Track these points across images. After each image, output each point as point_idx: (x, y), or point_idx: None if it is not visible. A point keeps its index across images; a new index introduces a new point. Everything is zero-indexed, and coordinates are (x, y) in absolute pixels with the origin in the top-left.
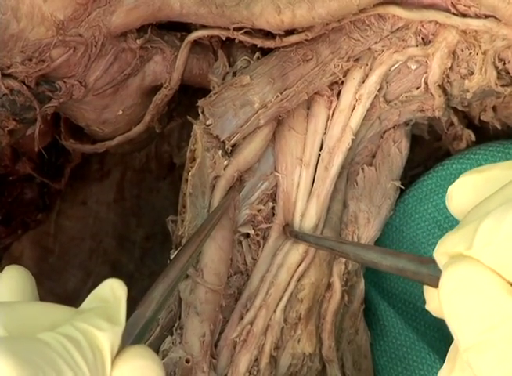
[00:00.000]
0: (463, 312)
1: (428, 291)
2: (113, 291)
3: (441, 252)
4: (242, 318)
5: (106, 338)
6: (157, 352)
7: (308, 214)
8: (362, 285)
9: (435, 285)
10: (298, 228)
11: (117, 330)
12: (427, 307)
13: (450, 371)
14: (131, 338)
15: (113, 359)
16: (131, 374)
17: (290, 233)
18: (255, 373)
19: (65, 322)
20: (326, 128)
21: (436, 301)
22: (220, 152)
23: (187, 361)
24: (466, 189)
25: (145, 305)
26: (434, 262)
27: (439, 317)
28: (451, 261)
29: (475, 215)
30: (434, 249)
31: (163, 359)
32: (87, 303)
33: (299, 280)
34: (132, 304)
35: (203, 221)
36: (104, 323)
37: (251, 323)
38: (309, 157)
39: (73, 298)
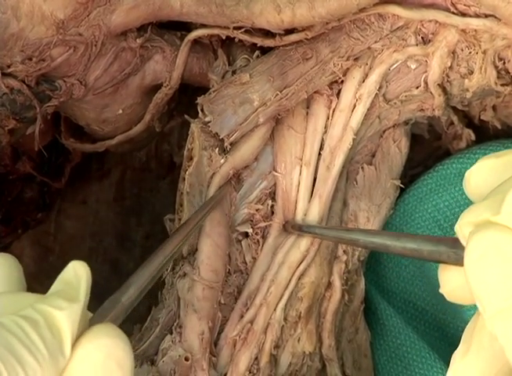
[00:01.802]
0: (490, 279)
1: (444, 273)
2: (75, 272)
3: (466, 222)
4: (242, 316)
5: (64, 316)
6: (157, 350)
7: (311, 214)
8: (362, 284)
9: (454, 262)
10: None
11: (76, 308)
12: (442, 290)
13: (465, 353)
14: (104, 321)
15: (78, 338)
16: (96, 352)
17: (293, 226)
18: (255, 371)
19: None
20: (326, 128)
21: (452, 283)
22: (217, 150)
23: (186, 359)
24: (484, 173)
25: (121, 290)
26: (451, 240)
27: (453, 302)
28: (477, 228)
29: (499, 189)
30: None
31: (162, 357)
32: (53, 288)
33: (299, 278)
34: None
35: (193, 212)
36: (63, 303)
37: (251, 322)
38: (309, 156)
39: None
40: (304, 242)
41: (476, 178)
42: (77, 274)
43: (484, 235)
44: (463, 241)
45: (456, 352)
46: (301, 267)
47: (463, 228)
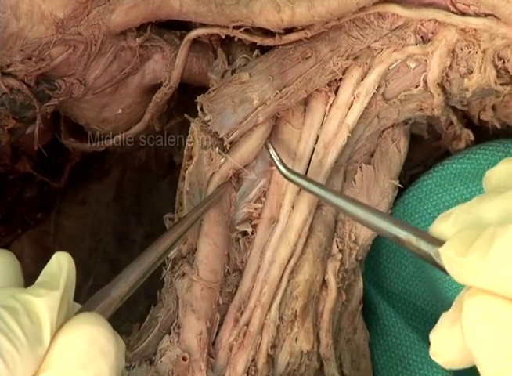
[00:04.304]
0: (486, 341)
1: (438, 342)
2: (58, 263)
3: (450, 247)
4: (237, 321)
5: (43, 302)
6: (156, 350)
7: (300, 207)
8: (360, 284)
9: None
10: (286, 222)
11: (55, 295)
12: (436, 360)
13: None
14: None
15: (61, 326)
16: (79, 339)
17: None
18: (253, 373)
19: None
20: (322, 124)
21: (450, 352)
22: (217, 149)
23: (184, 359)
24: (506, 176)
25: (111, 284)
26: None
27: (453, 369)
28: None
29: (483, 212)
30: None
31: (160, 357)
32: (37, 280)
33: (293, 277)
34: (133, 304)
35: (189, 211)
36: (42, 291)
37: (247, 324)
38: (303, 150)
39: (73, 297)
40: (293, 236)
41: (497, 179)
42: (59, 265)
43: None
44: (446, 266)
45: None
46: (291, 263)
47: (447, 252)
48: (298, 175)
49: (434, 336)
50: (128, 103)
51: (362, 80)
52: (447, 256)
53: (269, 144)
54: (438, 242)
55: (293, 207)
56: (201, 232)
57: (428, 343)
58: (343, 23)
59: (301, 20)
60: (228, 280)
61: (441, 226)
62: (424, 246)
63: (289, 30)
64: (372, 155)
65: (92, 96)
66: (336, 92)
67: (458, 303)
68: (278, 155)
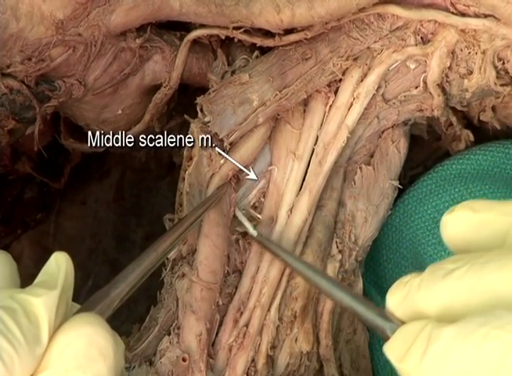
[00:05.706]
0: None
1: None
2: (57, 263)
3: (390, 350)
4: (237, 321)
5: (40, 302)
6: (155, 351)
7: (299, 208)
8: (360, 284)
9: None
10: (285, 222)
11: (52, 294)
12: None
13: None
14: None
15: (59, 327)
16: (77, 340)
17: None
18: (253, 374)
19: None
20: (321, 124)
21: None
22: (217, 150)
23: (184, 360)
24: (461, 224)
25: (110, 284)
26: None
27: None
28: None
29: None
30: (433, 249)
31: (160, 358)
32: (36, 280)
33: (293, 278)
34: (133, 304)
35: (189, 212)
36: (41, 290)
37: (247, 325)
38: (303, 151)
39: (72, 298)
40: (292, 236)
41: (452, 227)
42: (58, 265)
43: None
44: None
45: None
46: None
47: (388, 354)
48: (272, 242)
49: None
50: (127, 104)
51: (362, 81)
52: (389, 357)
53: (238, 210)
54: (392, 325)
55: (292, 207)
56: (201, 233)
57: None
58: (343, 24)
59: (300, 21)
60: (227, 281)
61: (393, 302)
62: (379, 327)
63: (289, 31)
64: (372, 156)
65: (92, 97)
66: (336, 92)
67: None
68: (249, 221)
